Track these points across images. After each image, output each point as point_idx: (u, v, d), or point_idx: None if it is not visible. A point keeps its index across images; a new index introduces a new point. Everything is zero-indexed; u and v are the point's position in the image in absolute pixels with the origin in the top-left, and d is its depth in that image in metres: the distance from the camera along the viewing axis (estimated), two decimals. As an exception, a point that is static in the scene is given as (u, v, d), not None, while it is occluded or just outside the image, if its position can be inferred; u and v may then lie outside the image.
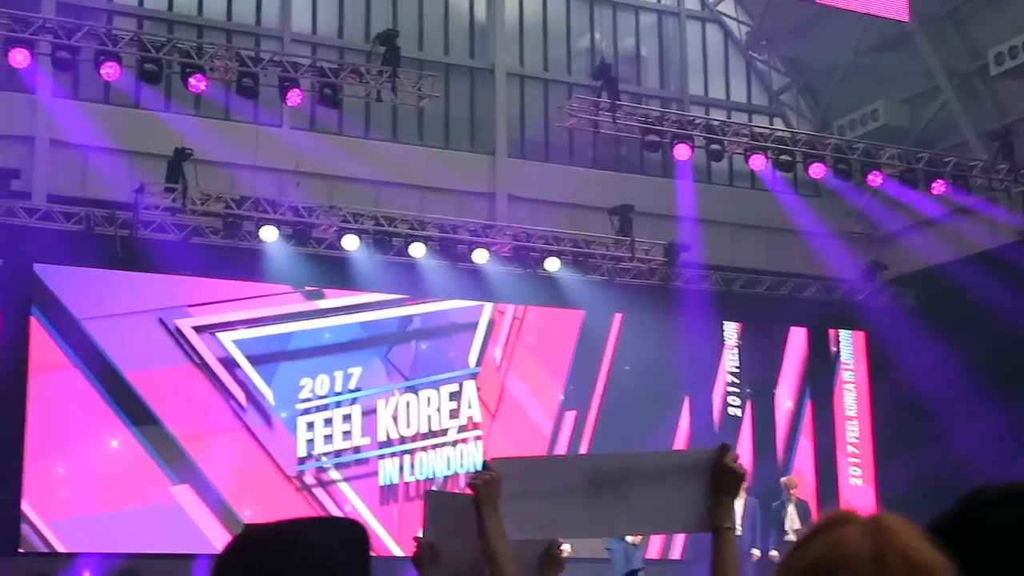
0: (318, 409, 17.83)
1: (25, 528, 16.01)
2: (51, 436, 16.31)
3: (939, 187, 19.59)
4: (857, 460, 21.19)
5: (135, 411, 16.77)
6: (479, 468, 4.12)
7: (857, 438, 21.26)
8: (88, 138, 16.95)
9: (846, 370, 21.43)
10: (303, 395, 17.74)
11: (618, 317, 19.97)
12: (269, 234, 17.29)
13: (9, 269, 16.51)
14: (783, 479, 17.92)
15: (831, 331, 21.48)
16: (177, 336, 17.21)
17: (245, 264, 17.58)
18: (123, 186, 16.76)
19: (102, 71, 16.06)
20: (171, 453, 16.87)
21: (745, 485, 16.72)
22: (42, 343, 16.47)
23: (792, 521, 17.09)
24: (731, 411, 20.53)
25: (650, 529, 3.93)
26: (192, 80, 16.41)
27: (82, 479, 16.46)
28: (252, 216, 17.23)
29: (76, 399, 16.48)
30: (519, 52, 21.09)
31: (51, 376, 16.43)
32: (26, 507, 16.05)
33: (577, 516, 3.98)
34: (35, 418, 16.22)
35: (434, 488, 17.86)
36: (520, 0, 21.27)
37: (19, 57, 15.58)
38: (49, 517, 16.19)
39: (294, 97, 16.94)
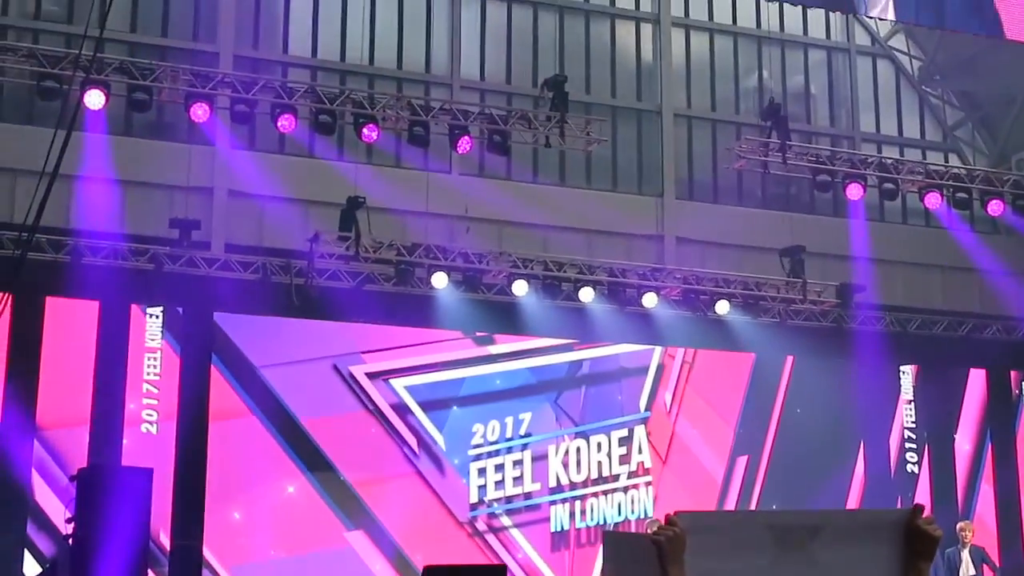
0: (489, 455, 17.92)
1: (206, 574, 16.37)
2: (230, 482, 16.69)
3: (1124, 221, 18.94)
4: (1041, 506, 20.51)
5: (311, 457, 17.07)
6: (651, 515, 4.02)
7: (1042, 483, 20.58)
8: (264, 188, 17.34)
9: (1029, 413, 20.82)
10: (475, 441, 17.87)
11: (790, 360, 19.70)
12: (440, 280, 17.45)
13: (191, 318, 16.96)
14: (958, 524, 17.44)
15: (1012, 372, 20.86)
16: (351, 382, 17.47)
17: (417, 310, 17.77)
18: (298, 235, 17.10)
19: (278, 123, 16.42)
20: (346, 499, 17.12)
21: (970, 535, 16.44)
22: (222, 390, 16.86)
23: (967, 567, 16.65)
24: (909, 456, 20.05)
25: None
26: (365, 130, 16.69)
27: (260, 525, 16.79)
28: (423, 263, 17.42)
29: (254, 445, 16.84)
30: (686, 93, 21.00)
31: (230, 423, 16.81)
32: (207, 553, 16.42)
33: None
34: (215, 464, 16.61)
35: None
36: (687, 40, 21.19)
37: (199, 111, 16.04)
38: (229, 563, 16.54)
39: (464, 144, 17.11)
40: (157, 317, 16.79)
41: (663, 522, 3.91)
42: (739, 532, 3.93)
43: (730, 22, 21.44)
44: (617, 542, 5.41)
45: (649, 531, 3.94)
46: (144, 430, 16.42)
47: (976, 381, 20.73)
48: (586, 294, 18.14)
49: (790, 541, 3.84)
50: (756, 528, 3.93)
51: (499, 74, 20.17)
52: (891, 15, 16.36)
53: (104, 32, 12.41)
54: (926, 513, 3.80)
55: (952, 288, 20.91)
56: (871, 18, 20.61)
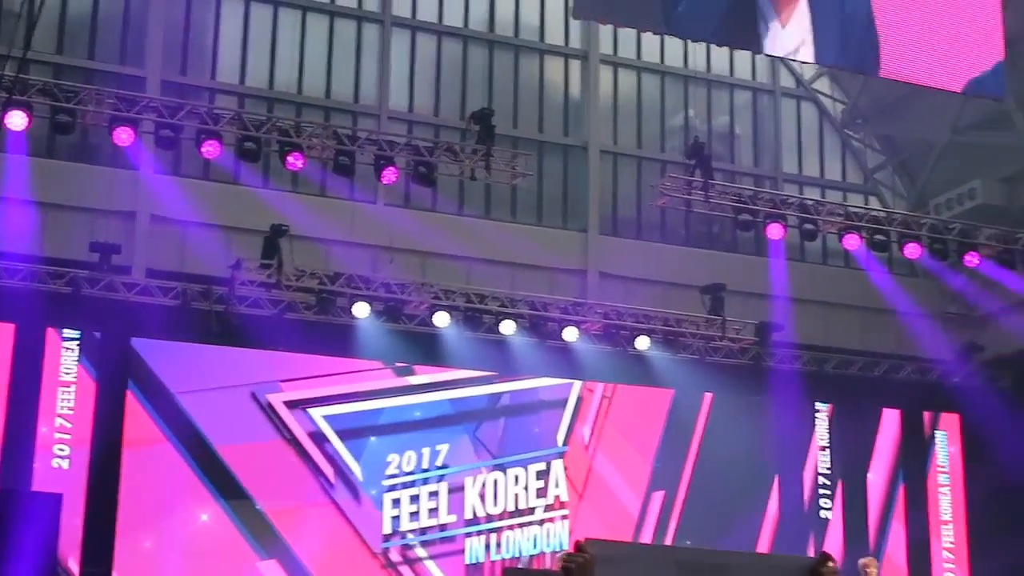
0: (405, 486, 17.94)
1: (115, 601, 16.25)
2: (143, 509, 16.59)
3: (1037, 268, 19.29)
4: (951, 546, 20.79)
5: (226, 485, 17.01)
6: (567, 548, 4.05)
7: (951, 523, 20.87)
8: (187, 214, 17.32)
9: (940, 453, 21.09)
10: (389, 471, 17.88)
11: (708, 397, 19.88)
12: (361, 310, 17.49)
13: (108, 342, 16.87)
14: (861, 560, 17.47)
15: (925, 413, 21.17)
16: (268, 411, 17.45)
17: (337, 340, 17.79)
18: (220, 262, 17.08)
19: (203, 149, 16.40)
20: (260, 528, 17.07)
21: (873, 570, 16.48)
22: (137, 417, 16.79)
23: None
24: (822, 494, 20.27)
25: None
26: (290, 158, 16.69)
27: (171, 553, 16.69)
28: (345, 292, 17.46)
29: (168, 473, 16.76)
30: (613, 129, 21.20)
31: (145, 449, 16.73)
32: (117, 579, 16.31)
33: None
34: (128, 491, 16.51)
35: (520, 566, 17.83)
36: (615, 77, 21.40)
37: (123, 135, 16.00)
38: (139, 590, 16.43)
39: (389, 175, 17.16)
40: (74, 341, 16.68)
41: (572, 549, 3.95)
42: (647, 565, 3.99)
43: (658, 61, 21.69)
44: (517, 580, 5.45)
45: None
46: (56, 455, 16.30)
47: (890, 421, 21.01)
48: (507, 327, 18.25)
49: None
50: (665, 563, 4.01)
51: (427, 106, 20.27)
52: (808, 57, 16.59)
53: (28, 53, 12.40)
54: (834, 561, 3.87)
55: (869, 329, 21.20)
56: (785, 59, 20.91)
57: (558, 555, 17.55)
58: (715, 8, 15.30)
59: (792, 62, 21.56)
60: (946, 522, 20.86)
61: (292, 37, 19.58)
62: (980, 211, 20.45)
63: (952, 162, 21.53)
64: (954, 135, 21.26)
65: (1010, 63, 17.95)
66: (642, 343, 18.95)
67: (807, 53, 16.27)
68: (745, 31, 15.58)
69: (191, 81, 18.83)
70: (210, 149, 16.40)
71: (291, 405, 17.55)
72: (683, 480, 19.48)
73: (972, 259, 19.38)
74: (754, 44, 15.86)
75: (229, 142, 16.64)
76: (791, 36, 15.68)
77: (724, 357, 19.70)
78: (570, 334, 18.55)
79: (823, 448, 20.48)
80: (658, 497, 19.29)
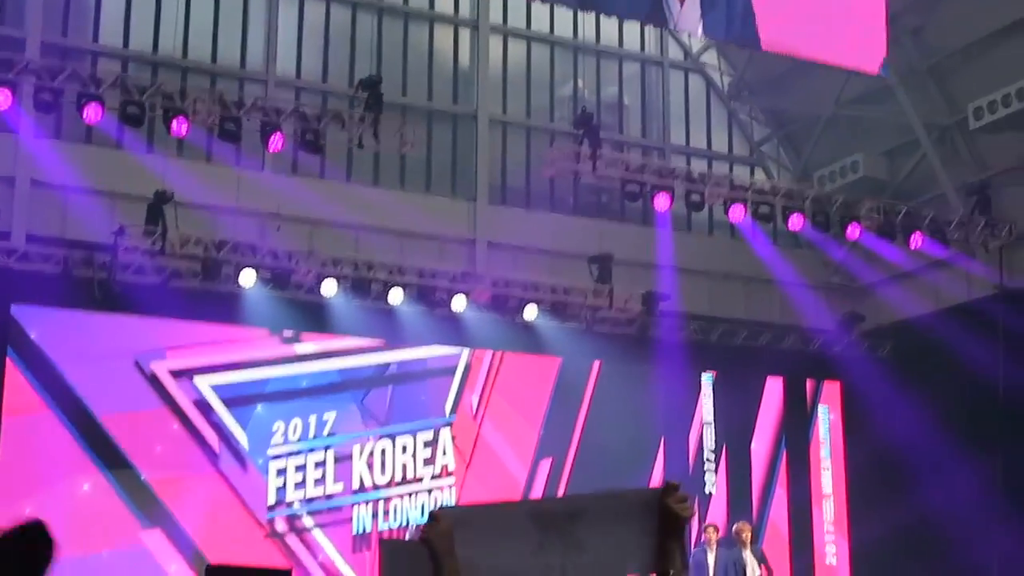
0: (291, 454, 17.82)
1: (-6, 571, 15.94)
2: (22, 478, 16.27)
3: (917, 240, 19.66)
4: (832, 515, 21.20)
5: (108, 454, 16.76)
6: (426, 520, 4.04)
7: (831, 490, 21.29)
8: (69, 179, 16.98)
9: (822, 421, 21.50)
10: (275, 440, 17.74)
11: (596, 365, 20.02)
12: (248, 278, 17.33)
13: (-14, 310, 16.52)
14: (735, 526, 17.75)
15: (808, 382, 21.54)
16: (152, 379, 17.22)
17: (223, 308, 17.59)
18: (103, 228, 16.78)
19: (84, 113, 16.07)
20: (143, 497, 16.85)
21: (718, 536, 16.76)
22: (16, 385, 16.46)
23: (753, 569, 16.96)
24: (707, 461, 20.56)
25: (603, 574, 3.88)
26: (174, 123, 16.42)
27: (51, 522, 16.34)
28: (231, 260, 17.28)
29: (49, 441, 16.46)
30: (502, 99, 21.20)
31: (25, 418, 16.41)
32: (-4, 549, 15.97)
33: (530, 563, 3.95)
34: (7, 460, 16.19)
35: (403, 537, 17.84)
36: (504, 47, 21.39)
37: (1, 98, 15.61)
38: (19, 560, 16.10)
39: (276, 142, 16.99)
40: (-49, 308, 16.32)
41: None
42: (503, 522, 4.00)
43: (547, 31, 21.71)
44: (394, 550, 5.45)
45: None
46: (-68, 423, 15.96)
47: (773, 389, 21.35)
48: (395, 295, 18.20)
49: (553, 527, 3.93)
50: (519, 517, 4.02)
51: (315, 73, 20.08)
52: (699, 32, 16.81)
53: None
54: (679, 490, 3.88)
55: (753, 299, 21.49)
56: (681, 32, 21.10)
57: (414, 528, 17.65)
58: None
59: (680, 34, 21.76)
60: (827, 495, 21.25)
61: (177, 1, 19.24)
62: (862, 184, 20.81)
63: (836, 135, 21.87)
64: (838, 109, 21.58)
65: (892, 38, 18.31)
66: (530, 312, 19.02)
67: (696, 26, 16.47)
68: (639, 2, 15.71)
69: (72, 43, 18.45)
70: (92, 113, 16.08)
71: (176, 373, 17.33)
72: (571, 448, 19.62)
73: (853, 231, 19.69)
74: (656, 17, 15.98)
75: (112, 106, 16.33)
76: (683, 9, 15.86)
77: (611, 326, 19.84)
78: (458, 303, 18.56)
79: (708, 416, 20.75)
80: (545, 465, 19.41)
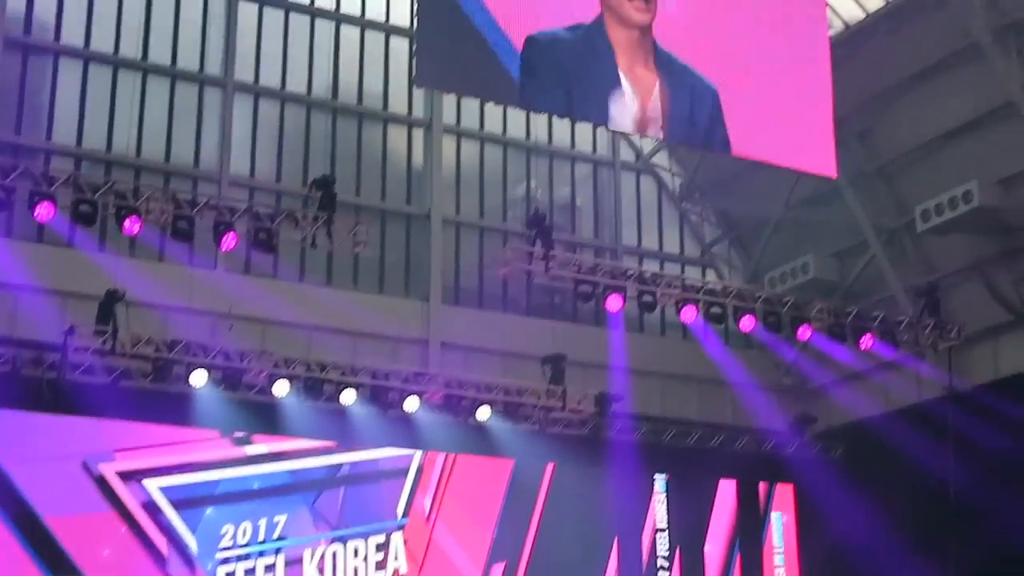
0: (240, 558, 17.53)
1: None
2: (-36, 584, 15.91)
3: (867, 342, 19.77)
4: (786, 615, 21.10)
5: (53, 558, 16.37)
6: None
7: (786, 593, 21.20)
8: (19, 278, 16.81)
9: (775, 526, 21.42)
10: (224, 543, 17.45)
11: (549, 467, 19.91)
12: (199, 379, 17.17)
13: (-68, 409, 16.23)
14: None
15: (761, 484, 21.50)
16: (100, 482, 16.92)
17: (174, 409, 17.38)
18: (53, 327, 16.60)
19: (36, 211, 15.91)
20: (90, 603, 16.50)
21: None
22: (-38, 486, 16.13)
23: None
24: (660, 564, 20.40)
25: None
26: (127, 222, 16.28)
27: (-5, 629, 16.03)
28: (183, 360, 17.12)
29: (-7, 545, 16.11)
30: (456, 199, 21.28)
31: (-31, 521, 16.07)
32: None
33: None
34: (-50, 565, 15.84)
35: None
36: (458, 147, 21.52)
37: (-49, 197, 15.45)
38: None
39: (229, 241, 16.86)
40: None
41: None
42: None
43: (500, 131, 21.87)
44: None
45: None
46: None
47: (726, 491, 21.27)
48: (348, 396, 18.09)
49: None
50: None
51: (269, 172, 20.10)
52: (658, 134, 16.96)
53: None
54: None
55: (706, 400, 21.53)
56: (628, 134, 21.31)
57: None
58: (566, 82, 15.58)
59: (632, 136, 21.98)
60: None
61: (132, 99, 19.25)
62: (812, 285, 21.00)
63: (786, 237, 22.09)
64: (788, 210, 21.82)
65: (840, 141, 18.58)
66: (483, 413, 18.95)
67: (660, 131, 16.61)
68: (596, 106, 15.88)
69: (25, 141, 18.39)
70: (44, 212, 15.91)
71: (124, 475, 17.05)
72: (524, 551, 19.43)
73: (804, 332, 19.77)
74: (605, 119, 16.16)
75: (64, 205, 16.17)
76: (647, 115, 16.03)
77: (564, 427, 19.79)
78: (411, 404, 18.47)
79: (661, 519, 20.62)
80: (499, 569, 19.19)
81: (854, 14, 20.28)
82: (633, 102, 16.06)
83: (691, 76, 16.51)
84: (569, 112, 16.59)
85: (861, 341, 19.74)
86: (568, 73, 15.67)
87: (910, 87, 19.96)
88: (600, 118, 16.86)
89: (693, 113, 16.34)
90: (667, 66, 16.34)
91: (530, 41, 15.45)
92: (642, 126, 16.43)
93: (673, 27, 16.51)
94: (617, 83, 15.88)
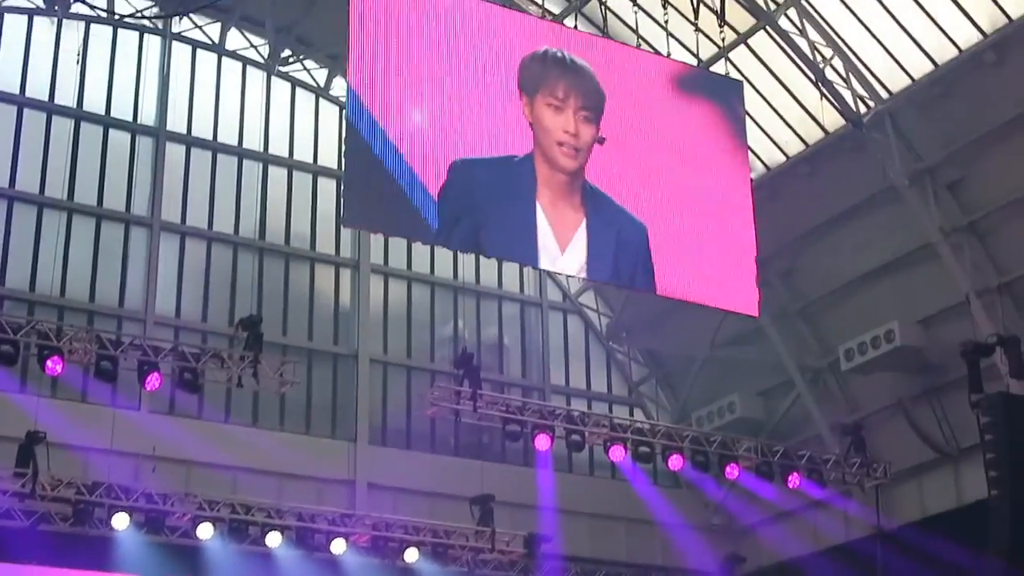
0: None
1: None
2: None
3: (794, 480, 19.79)
4: None
5: None
6: None
7: None
8: (-63, 419, 16.46)
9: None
10: None
11: (477, 608, 19.61)
12: (121, 521, 16.81)
13: None
14: None
15: (688, 624, 21.32)
16: (14, 629, 16.42)
17: (95, 553, 16.96)
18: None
19: (-45, 353, 15.67)
20: None
21: None
22: None
23: None
24: None
25: None
26: (49, 363, 16.07)
27: None
28: (104, 503, 16.77)
29: None
30: (383, 339, 21.25)
31: None
32: None
33: None
34: None
35: None
36: (385, 287, 21.56)
37: None
38: None
39: (153, 381, 16.66)
40: None
41: None
42: None
43: (428, 271, 21.95)
44: None
45: None
46: None
47: (657, 632, 21.09)
48: (274, 539, 17.76)
49: None
50: None
51: (195, 312, 19.98)
52: (575, 272, 16.98)
53: None
54: None
55: (635, 540, 21.42)
56: (555, 273, 21.45)
57: None
58: (479, 218, 15.63)
59: (559, 276, 22.13)
60: None
61: (56, 239, 19.12)
62: (739, 424, 21.10)
63: (712, 375, 22.23)
64: (713, 350, 21.99)
65: (764, 281, 18.81)
66: (411, 555, 18.66)
67: (582, 270, 16.69)
68: (523, 247, 15.93)
69: (-53, 282, 18.18)
70: (-37, 352, 15.68)
71: (42, 624, 16.56)
72: None
73: (732, 471, 19.76)
74: (531, 259, 16.20)
75: (-15, 345, 15.97)
76: (568, 254, 16.13)
77: (493, 569, 19.53)
78: (338, 546, 18.17)
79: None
80: None
81: (775, 157, 20.73)
82: (551, 240, 16.10)
83: (620, 213, 16.65)
84: (481, 250, 16.54)
85: (789, 480, 19.76)
86: (482, 208, 15.65)
87: (831, 228, 20.36)
88: (515, 256, 16.86)
89: (618, 252, 16.46)
90: (595, 203, 16.47)
91: (450, 171, 15.46)
92: (561, 265, 16.43)
93: (604, 164, 16.71)
94: (533, 220, 15.90)
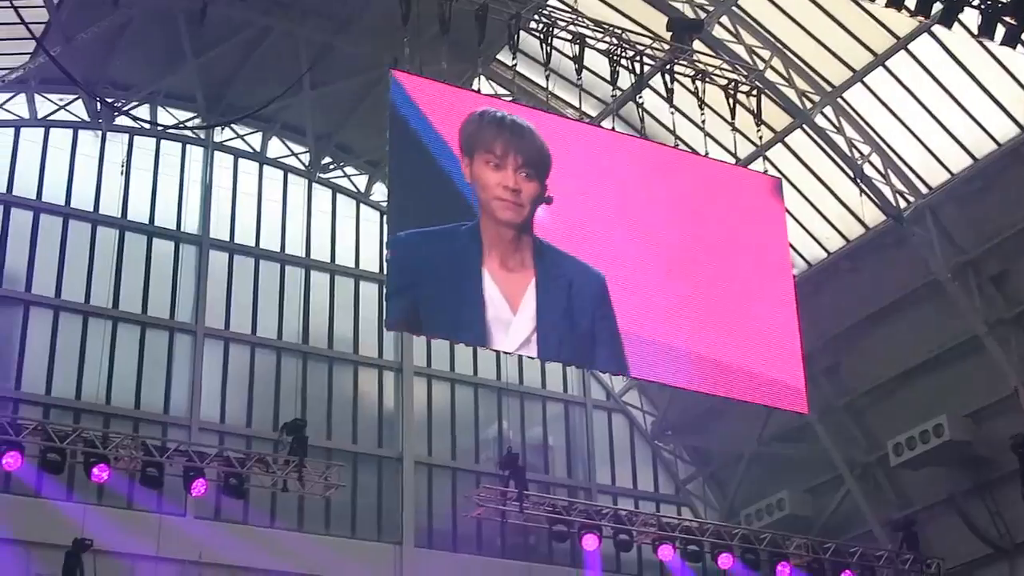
0: None
1: None
2: None
3: (847, 578, 19.49)
4: None
5: None
6: None
7: None
8: (-15, 528, 16.52)
9: None
10: None
11: None
12: (167, 630, 16.73)
13: None
14: None
15: None
16: None
17: (142, 662, 16.93)
18: (19, 579, 16.25)
19: (3, 461, 15.74)
20: None
21: None
22: None
23: None
24: None
25: None
26: (95, 470, 16.12)
27: None
28: (150, 610, 16.72)
29: None
30: (427, 441, 21.21)
31: None
32: None
33: None
34: None
35: None
36: (429, 389, 21.56)
37: (-83, 448, 15.29)
38: None
39: (199, 487, 16.69)
40: None
41: None
42: None
43: (471, 373, 21.95)
44: None
45: None
46: None
47: None
48: (321, 644, 17.65)
49: None
50: None
51: (239, 417, 20.03)
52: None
53: None
54: None
55: (683, 641, 21.07)
56: (593, 371, 21.30)
57: None
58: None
59: (602, 375, 22.08)
60: None
61: (101, 347, 19.29)
62: (789, 521, 20.84)
63: (760, 472, 22.03)
64: (760, 446, 21.81)
65: (809, 377, 18.66)
66: (459, 659, 18.48)
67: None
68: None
69: (-6, 391, 18.33)
70: (11, 461, 15.76)
71: None
72: None
73: (783, 569, 19.48)
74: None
75: (32, 453, 16.04)
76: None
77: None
78: (385, 652, 18.01)
79: None
80: None
81: (816, 253, 20.72)
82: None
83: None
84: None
85: (841, 577, 19.46)
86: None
87: (874, 323, 20.27)
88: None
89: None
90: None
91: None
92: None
93: (640, 258, 16.47)
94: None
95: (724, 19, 19.10)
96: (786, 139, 19.90)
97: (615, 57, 17.98)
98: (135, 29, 19.52)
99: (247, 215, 21.34)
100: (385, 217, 20.74)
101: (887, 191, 18.98)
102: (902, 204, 19.00)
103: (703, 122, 18.41)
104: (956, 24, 15.79)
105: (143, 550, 17.33)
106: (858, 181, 18.98)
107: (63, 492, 17.36)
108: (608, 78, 18.00)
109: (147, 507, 17.78)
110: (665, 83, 18.02)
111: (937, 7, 15.54)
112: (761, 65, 18.97)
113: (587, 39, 17.62)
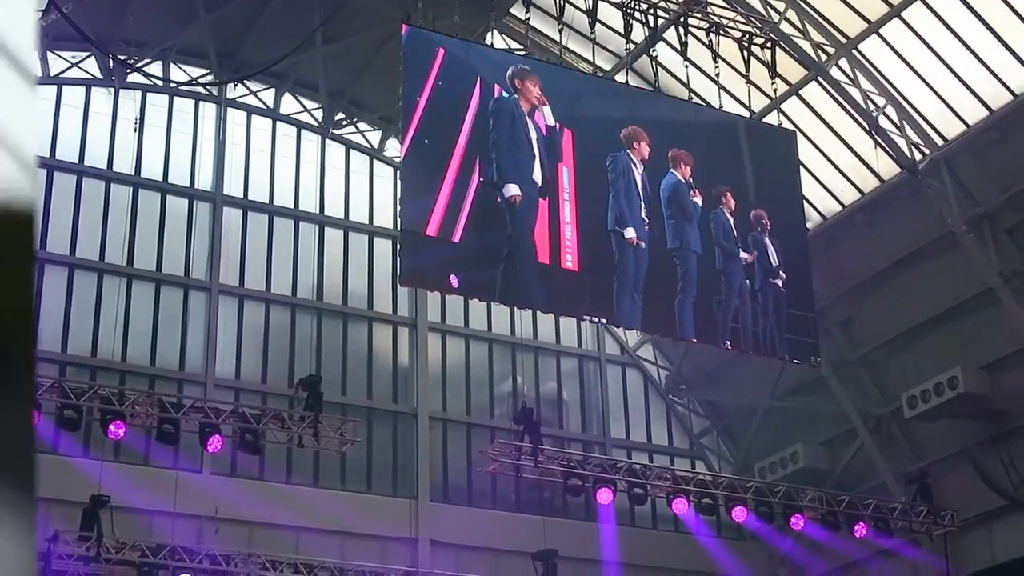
0: None
1: None
2: None
3: (861, 530, 19.53)
4: None
5: None
6: None
7: None
8: (2, 486, 16.56)
9: None
10: None
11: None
12: (185, 583, 16.85)
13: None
14: None
15: None
16: None
17: (159, 615, 17.03)
18: (37, 534, 16.30)
19: (20, 418, 15.81)
20: None
21: None
22: None
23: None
24: None
25: None
26: (112, 427, 16.18)
27: None
28: (168, 564, 16.83)
29: None
30: (442, 396, 21.26)
31: None
32: None
33: None
34: None
35: None
36: (443, 345, 21.59)
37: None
38: None
39: (215, 443, 16.74)
40: None
41: None
42: None
43: (486, 328, 21.97)
44: None
45: None
46: None
47: None
48: (337, 598, 17.76)
49: None
50: None
51: (254, 374, 20.10)
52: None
53: None
54: None
55: (700, 593, 21.19)
56: (609, 327, 21.34)
57: None
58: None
59: (616, 330, 22.08)
60: None
61: (116, 304, 19.35)
62: (803, 474, 20.85)
63: (774, 426, 22.04)
64: (774, 400, 21.82)
65: (823, 331, 18.67)
66: (475, 612, 18.60)
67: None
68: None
69: (11, 349, 18.35)
70: (29, 418, 15.83)
71: None
72: None
73: (797, 522, 19.53)
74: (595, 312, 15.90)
75: (48, 411, 16.12)
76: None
77: (558, 624, 19.37)
78: (401, 604, 18.13)
79: None
80: None
81: (831, 206, 20.65)
82: None
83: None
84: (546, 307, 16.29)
85: (855, 529, 19.50)
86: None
87: (889, 276, 20.21)
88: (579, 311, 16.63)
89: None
90: None
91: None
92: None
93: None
94: None
95: (738, -29, 18.98)
96: (801, 91, 19.81)
97: (629, 10, 17.90)
98: (146, -15, 19.47)
99: (260, 172, 21.34)
100: (399, 172, 20.73)
101: (902, 143, 18.89)
102: (917, 156, 18.91)
103: (717, 75, 18.33)
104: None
105: (160, 506, 17.42)
106: (873, 133, 18.90)
107: (80, 449, 17.48)
108: (622, 31, 17.91)
109: (163, 463, 17.88)
110: (679, 36, 17.96)
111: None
112: (776, 17, 18.84)
113: (600, -8, 17.54)
